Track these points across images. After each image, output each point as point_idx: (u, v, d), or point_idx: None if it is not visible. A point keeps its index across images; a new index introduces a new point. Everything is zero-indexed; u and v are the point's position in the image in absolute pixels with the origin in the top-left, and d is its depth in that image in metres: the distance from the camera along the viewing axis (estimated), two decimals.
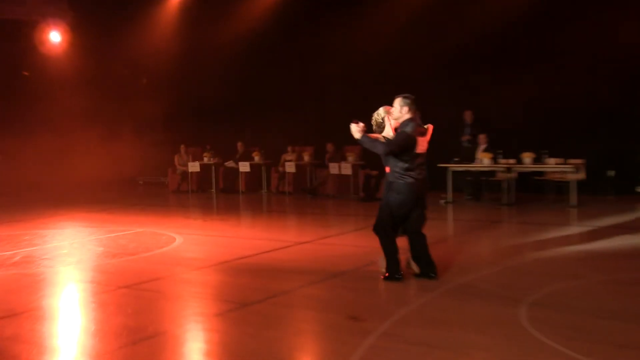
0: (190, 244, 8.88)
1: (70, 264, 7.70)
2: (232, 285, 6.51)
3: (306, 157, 15.65)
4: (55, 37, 18.59)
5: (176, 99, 18.08)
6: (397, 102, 6.30)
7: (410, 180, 6.18)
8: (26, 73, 19.23)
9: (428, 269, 6.34)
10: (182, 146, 17.64)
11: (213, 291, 6.43)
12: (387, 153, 6.22)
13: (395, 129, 6.31)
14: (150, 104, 18.03)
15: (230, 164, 16.78)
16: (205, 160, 16.89)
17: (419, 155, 6.21)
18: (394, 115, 6.32)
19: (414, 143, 6.12)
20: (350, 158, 14.51)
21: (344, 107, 16.07)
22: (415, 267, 6.45)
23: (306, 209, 13.18)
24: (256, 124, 17.22)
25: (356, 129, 6.30)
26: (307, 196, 15.06)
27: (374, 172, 13.93)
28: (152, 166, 19.27)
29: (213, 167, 16.94)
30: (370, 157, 14.43)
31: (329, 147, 15.21)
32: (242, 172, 16.41)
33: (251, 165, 16.09)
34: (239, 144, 17.00)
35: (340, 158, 14.83)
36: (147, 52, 18.35)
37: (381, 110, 6.44)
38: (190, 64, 18.00)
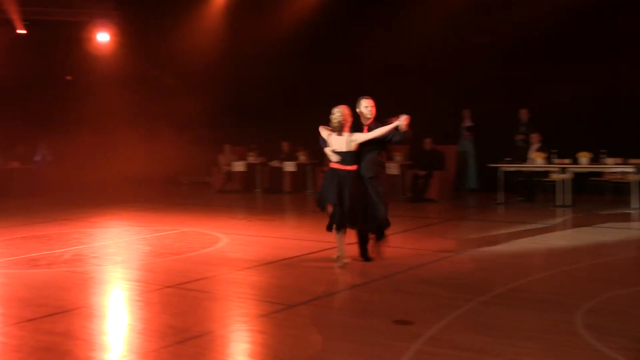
0: (235, 244, 9.01)
1: (117, 262, 7.91)
2: (277, 286, 6.60)
3: None
4: (101, 37, 19.06)
5: (221, 97, 18.30)
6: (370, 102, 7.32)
7: None
8: (69, 77, 19.77)
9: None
10: (227, 145, 17.85)
11: (258, 292, 6.53)
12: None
13: (369, 127, 7.24)
14: (195, 103, 18.28)
15: (275, 163, 16.91)
16: (250, 159, 17.07)
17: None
18: (370, 114, 7.29)
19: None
20: (398, 158, 14.48)
21: (391, 105, 16.06)
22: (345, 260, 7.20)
23: None
24: (302, 123, 17.23)
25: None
26: None
27: (422, 172, 13.89)
28: (196, 166, 19.52)
29: (258, 167, 17.10)
30: (418, 157, 14.39)
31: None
32: (287, 172, 16.53)
33: (296, 165, 16.19)
34: (284, 144, 17.10)
35: (387, 158, 14.79)
36: (191, 51, 18.61)
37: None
38: (235, 62, 18.19)
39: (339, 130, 7.18)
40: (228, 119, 18.89)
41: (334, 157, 7.20)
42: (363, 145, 7.16)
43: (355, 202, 7.03)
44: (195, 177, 19.92)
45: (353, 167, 7.14)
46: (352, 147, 7.13)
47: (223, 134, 18.27)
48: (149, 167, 18.46)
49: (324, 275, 6.97)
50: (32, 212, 13.14)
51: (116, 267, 7.64)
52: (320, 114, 16.60)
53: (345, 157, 7.15)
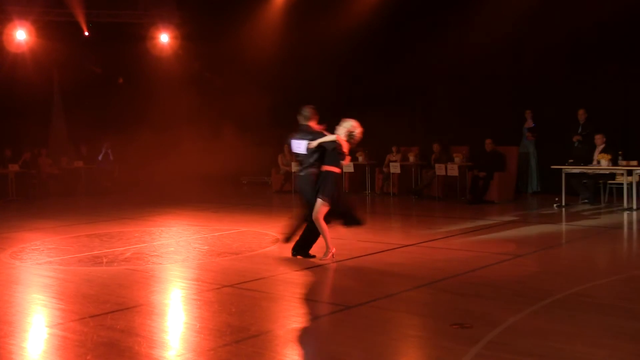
0: (291, 244, 9.03)
1: (176, 261, 8.06)
2: (336, 287, 6.61)
3: (411, 158, 15.56)
4: (164, 38, 19.47)
5: (284, 97, 18.42)
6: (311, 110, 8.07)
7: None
8: (121, 80, 20.23)
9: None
10: (286, 146, 17.93)
11: (316, 293, 6.55)
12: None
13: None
14: (258, 103, 18.41)
15: None
16: (358, 160, 16.89)
17: (296, 154, 8.04)
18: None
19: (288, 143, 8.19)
20: (457, 159, 14.30)
21: (451, 105, 15.91)
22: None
23: (411, 211, 13.13)
24: (361, 123, 17.27)
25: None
26: (412, 198, 14.99)
27: (482, 174, 13.68)
28: (257, 166, 19.69)
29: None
30: (478, 158, 14.20)
31: (435, 147, 15.06)
32: (345, 173, 16.52)
33: (355, 166, 16.18)
34: None
35: (447, 159, 14.64)
36: (254, 50, 18.76)
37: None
38: (297, 61, 18.21)
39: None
40: (289, 119, 18.95)
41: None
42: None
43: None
44: (256, 178, 20.10)
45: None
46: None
47: (283, 135, 18.35)
48: (210, 167, 18.70)
49: (382, 277, 6.94)
50: (95, 211, 13.51)
51: (175, 266, 7.78)
52: (379, 115, 16.67)
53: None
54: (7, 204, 15.82)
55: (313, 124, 7.92)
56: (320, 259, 7.68)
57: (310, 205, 7.76)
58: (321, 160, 7.78)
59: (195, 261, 8.07)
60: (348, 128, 7.92)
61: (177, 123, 19.33)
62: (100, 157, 18.50)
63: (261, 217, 12.35)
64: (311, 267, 7.47)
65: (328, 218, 7.74)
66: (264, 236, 9.82)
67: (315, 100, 17.72)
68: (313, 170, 7.80)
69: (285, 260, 7.92)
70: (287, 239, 8.16)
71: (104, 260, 8.13)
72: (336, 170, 7.80)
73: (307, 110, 8.02)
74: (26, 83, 17.72)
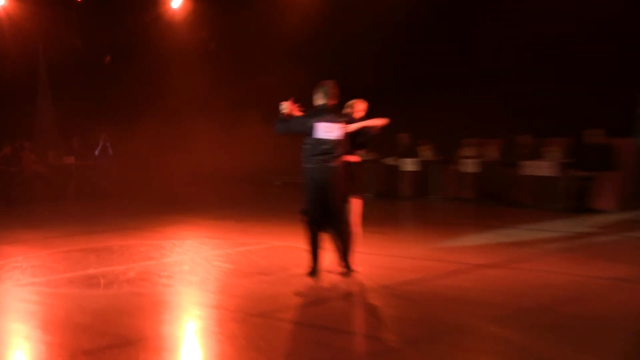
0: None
1: (192, 283, 8.09)
2: (392, 317, 6.54)
3: (491, 153, 15.41)
4: (175, 3, 19.58)
5: (320, 78, 18.36)
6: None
7: (307, 166, 8.05)
8: (108, 58, 20.30)
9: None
10: None
11: (367, 323, 6.48)
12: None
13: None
14: (289, 84, 18.36)
15: (390, 161, 16.85)
16: (423, 156, 16.86)
17: (323, 141, 7.92)
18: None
19: (302, 128, 8.06)
20: (553, 154, 14.10)
21: (542, 88, 15.69)
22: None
23: (491, 221, 12.99)
24: (426, 112, 17.19)
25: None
26: (491, 204, 14.83)
27: (584, 174, 13.47)
28: (291, 162, 19.61)
29: (369, 165, 17.02)
30: (580, 153, 13.97)
31: (523, 139, 14.87)
32: (405, 172, 16.44)
33: (419, 163, 16.09)
34: (403, 136, 17.00)
35: (538, 154, 14.46)
36: (284, 24, 18.74)
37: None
38: (336, 37, 18.12)
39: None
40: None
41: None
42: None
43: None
44: (290, 177, 20.05)
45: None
46: None
47: None
48: (231, 164, 18.75)
49: (453, 305, 6.85)
50: (91, 219, 13.71)
51: (191, 289, 7.81)
52: (450, 101, 16.48)
53: None
54: None
55: (332, 104, 8.17)
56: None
57: (329, 206, 8.03)
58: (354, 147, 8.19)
59: (215, 283, 8.09)
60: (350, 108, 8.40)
61: (189, 110, 19.41)
62: (97, 152, 18.68)
63: (297, 227, 12.30)
64: (361, 292, 7.41)
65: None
66: (300, 252, 9.79)
67: (367, 84, 17.74)
68: (342, 160, 8.04)
69: (330, 282, 7.88)
70: (314, 272, 8.12)
71: (102, 281, 8.20)
72: (359, 160, 8.37)
73: (327, 87, 8.26)
74: (5, 59, 17.99)
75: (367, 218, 14.05)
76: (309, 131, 7.97)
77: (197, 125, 19.42)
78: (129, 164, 19.27)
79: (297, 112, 8.22)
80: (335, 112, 8.09)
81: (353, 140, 8.11)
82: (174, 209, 15.02)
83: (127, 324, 6.43)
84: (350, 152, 8.14)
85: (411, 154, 16.51)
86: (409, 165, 16.18)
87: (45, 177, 18.39)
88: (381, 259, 9.31)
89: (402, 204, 16.00)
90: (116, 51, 20.26)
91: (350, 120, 8.09)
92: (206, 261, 9.39)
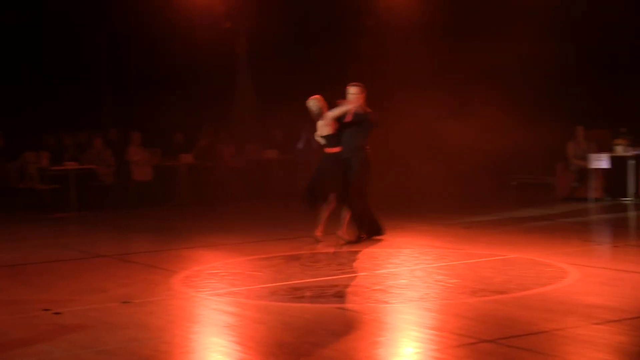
0: (592, 283, 8.80)
1: (410, 300, 8.16)
2: None
3: None
4: None
5: (572, 52, 17.86)
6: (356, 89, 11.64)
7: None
8: (228, 25, 20.38)
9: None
10: (580, 128, 17.32)
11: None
12: None
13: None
14: (540, 59, 17.86)
15: None
16: (618, 150, 16.33)
17: None
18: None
19: None
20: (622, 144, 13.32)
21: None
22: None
23: None
24: None
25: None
26: None
27: None
28: (534, 158, 19.14)
29: (630, 162, 16.38)
30: None
31: None
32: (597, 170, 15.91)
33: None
34: None
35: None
36: None
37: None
38: None
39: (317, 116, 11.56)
40: (590, 86, 18.18)
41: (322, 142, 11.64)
42: (344, 129, 11.55)
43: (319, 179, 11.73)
44: (530, 177, 19.66)
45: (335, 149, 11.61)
46: (327, 130, 11.48)
47: (579, 110, 17.74)
48: (457, 157, 18.59)
49: None
50: (293, 221, 14.04)
51: (409, 307, 7.89)
52: None
53: (328, 139, 11.56)
54: (176, 208, 16.91)
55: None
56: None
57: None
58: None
59: (438, 301, 8.11)
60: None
61: (402, 90, 19.34)
62: (300, 145, 18.99)
63: (538, 237, 12.12)
64: (620, 320, 7.17)
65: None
66: (543, 267, 9.64)
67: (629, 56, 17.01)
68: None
69: (578, 306, 7.69)
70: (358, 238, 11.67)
71: (307, 293, 8.45)
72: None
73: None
74: (202, 43, 18.70)
75: (631, 228, 13.63)
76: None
77: (417, 108, 19.26)
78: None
79: None
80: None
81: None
82: (390, 210, 14.78)
83: (335, 346, 6.54)
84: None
85: None
86: (600, 161, 15.73)
87: (244, 173, 18.86)
88: None
89: None
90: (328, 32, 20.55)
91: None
92: (427, 274, 9.43)
